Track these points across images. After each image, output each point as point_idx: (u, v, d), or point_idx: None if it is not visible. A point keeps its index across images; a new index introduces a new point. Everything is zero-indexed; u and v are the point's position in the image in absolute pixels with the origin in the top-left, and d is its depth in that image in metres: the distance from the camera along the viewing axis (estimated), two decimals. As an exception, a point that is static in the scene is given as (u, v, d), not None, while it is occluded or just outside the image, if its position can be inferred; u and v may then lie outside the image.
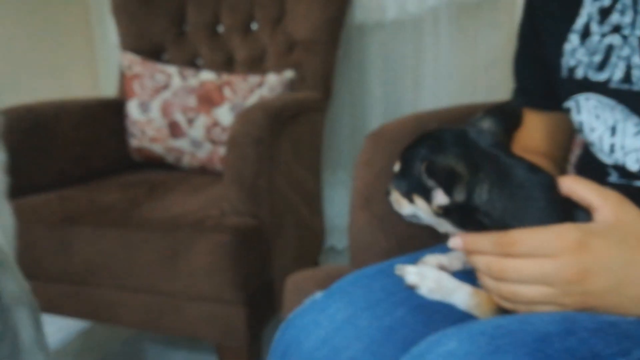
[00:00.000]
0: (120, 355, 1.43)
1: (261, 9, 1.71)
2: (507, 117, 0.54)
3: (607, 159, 0.58)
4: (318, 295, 0.55)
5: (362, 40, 1.82)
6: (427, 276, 0.51)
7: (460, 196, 0.47)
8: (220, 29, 1.77)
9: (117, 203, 1.19)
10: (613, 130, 0.55)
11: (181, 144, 1.48)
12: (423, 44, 1.65)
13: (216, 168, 1.48)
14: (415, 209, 0.54)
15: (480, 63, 1.56)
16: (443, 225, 0.54)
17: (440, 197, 0.47)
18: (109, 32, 2.40)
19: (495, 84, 1.55)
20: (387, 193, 0.60)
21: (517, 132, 0.71)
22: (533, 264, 0.42)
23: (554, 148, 0.71)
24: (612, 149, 0.56)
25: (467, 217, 0.48)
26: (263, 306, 1.13)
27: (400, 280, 0.53)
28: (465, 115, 0.90)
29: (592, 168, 0.60)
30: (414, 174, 0.51)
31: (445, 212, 0.50)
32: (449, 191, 0.47)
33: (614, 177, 0.58)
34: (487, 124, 0.53)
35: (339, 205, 2.04)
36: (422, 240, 0.79)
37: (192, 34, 1.77)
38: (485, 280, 0.46)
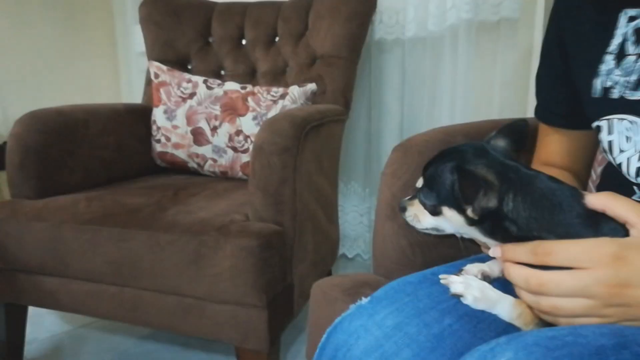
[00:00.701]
0: (136, 355, 1.46)
1: (284, 23, 1.77)
2: (517, 135, 0.58)
3: (632, 179, 0.59)
4: (364, 300, 0.56)
5: (381, 55, 1.86)
6: (472, 285, 0.53)
7: (492, 202, 0.50)
8: (244, 41, 1.82)
9: (144, 206, 1.22)
10: None
11: (204, 150, 1.52)
12: (441, 61, 1.69)
13: (237, 175, 1.52)
14: (439, 221, 0.58)
15: (496, 81, 1.59)
16: (470, 234, 0.57)
17: (477, 205, 0.50)
18: (133, 41, 2.47)
19: (509, 102, 1.59)
20: (403, 210, 0.64)
21: (528, 149, 0.74)
22: (571, 276, 0.43)
23: (574, 163, 0.73)
24: (638, 172, 0.58)
25: (496, 225, 0.51)
26: (283, 310, 1.15)
27: (445, 288, 0.54)
28: (491, 130, 0.93)
29: (616, 184, 0.62)
30: (443, 186, 0.54)
31: (476, 221, 0.53)
32: (483, 199, 0.50)
33: (637, 195, 0.60)
34: (500, 142, 0.57)
35: (350, 215, 2.07)
36: (445, 250, 0.82)
37: (216, 46, 1.83)
38: (523, 295, 0.47)
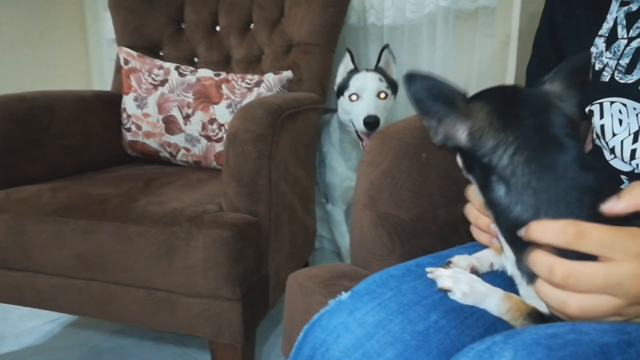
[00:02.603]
0: (107, 350, 1.41)
1: (259, 10, 1.72)
2: (576, 76, 0.48)
3: (624, 167, 0.58)
4: (344, 295, 0.53)
5: (359, 43, 1.83)
6: (460, 280, 0.49)
7: (461, 137, 0.45)
8: (218, 28, 1.77)
9: (112, 196, 1.17)
10: (636, 136, 0.56)
11: (176, 139, 1.47)
12: (419, 48, 1.67)
13: (211, 164, 1.48)
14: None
15: (473, 70, 1.58)
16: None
17: (433, 126, 0.47)
18: (104, 28, 2.39)
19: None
20: None
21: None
22: (604, 269, 0.37)
23: None
24: (632, 155, 0.56)
25: (484, 177, 0.45)
26: (258, 303, 1.12)
27: (430, 282, 0.51)
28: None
29: None
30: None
31: (465, 162, 0.49)
32: (445, 123, 0.46)
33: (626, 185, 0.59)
34: (555, 87, 0.47)
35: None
36: (426, 241, 0.80)
37: (189, 32, 1.77)
38: (545, 291, 0.40)
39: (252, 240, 1.06)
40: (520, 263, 0.45)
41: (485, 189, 0.45)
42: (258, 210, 1.09)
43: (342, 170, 1.66)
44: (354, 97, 1.45)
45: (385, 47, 1.52)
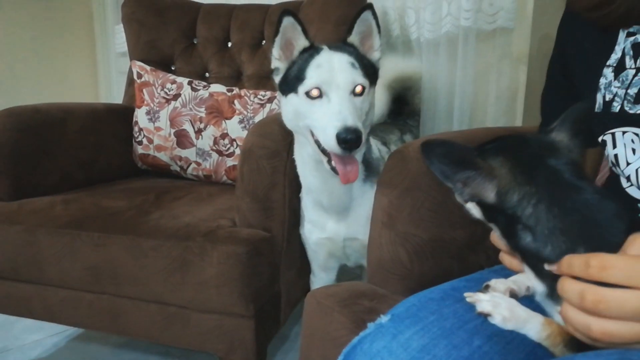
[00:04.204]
0: (113, 365, 1.40)
1: (271, 27, 1.73)
2: (581, 125, 0.52)
3: (639, 195, 0.59)
4: (384, 319, 0.52)
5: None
6: (500, 304, 0.49)
7: (489, 196, 0.47)
8: (230, 44, 1.79)
9: (125, 209, 1.17)
10: None
11: (188, 153, 1.48)
12: (437, 67, 1.65)
13: (222, 179, 1.48)
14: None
15: (491, 92, 1.57)
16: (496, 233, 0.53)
17: (459, 188, 0.48)
18: (113, 42, 2.41)
19: (502, 113, 1.58)
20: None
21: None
22: (635, 296, 0.36)
23: None
24: None
25: (509, 227, 0.47)
26: (270, 320, 1.12)
27: (470, 306, 0.51)
28: (488, 137, 0.92)
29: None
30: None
31: (487, 214, 0.50)
32: (471, 185, 0.48)
33: None
34: (561, 136, 0.51)
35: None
36: (445, 261, 0.80)
37: (201, 47, 1.79)
38: (571, 315, 0.40)
39: (266, 257, 1.05)
40: (552, 292, 0.45)
41: (511, 236, 0.48)
42: (272, 226, 1.09)
43: (312, 216, 1.10)
44: (314, 93, 0.89)
45: (367, 7, 0.95)
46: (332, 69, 0.90)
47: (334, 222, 1.07)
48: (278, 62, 0.98)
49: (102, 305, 1.12)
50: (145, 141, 1.52)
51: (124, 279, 1.07)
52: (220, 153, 1.45)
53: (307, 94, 0.90)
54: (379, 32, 0.98)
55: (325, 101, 0.89)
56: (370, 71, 0.95)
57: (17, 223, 1.15)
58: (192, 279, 1.02)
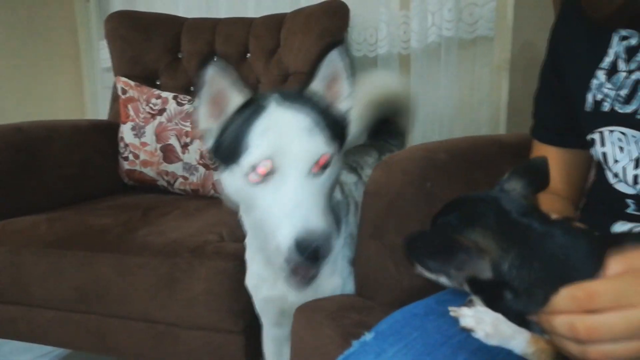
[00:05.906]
0: (102, 386, 1.38)
1: (255, 40, 1.74)
2: (534, 175, 0.54)
3: (629, 190, 0.60)
4: (368, 336, 0.52)
5: (356, 73, 1.85)
6: (484, 320, 0.48)
7: (486, 272, 0.46)
8: (215, 58, 1.79)
9: (111, 227, 1.16)
10: (637, 162, 0.58)
11: (174, 168, 1.47)
12: (419, 77, 1.68)
13: (209, 192, 1.48)
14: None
15: (474, 99, 1.59)
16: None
17: (458, 274, 0.48)
18: (97, 57, 2.40)
19: (484, 121, 1.60)
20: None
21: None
22: (623, 317, 0.37)
23: (566, 185, 0.73)
24: (635, 180, 0.59)
25: (495, 293, 0.47)
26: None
27: (454, 320, 0.50)
28: (472, 146, 0.93)
29: (609, 199, 0.62)
30: (443, 247, 0.50)
31: (474, 287, 0.49)
32: (469, 268, 0.47)
33: (631, 209, 0.60)
34: (514, 185, 0.52)
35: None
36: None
37: (186, 62, 1.78)
38: (567, 345, 0.40)
39: (254, 271, 1.04)
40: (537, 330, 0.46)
41: (494, 300, 0.48)
42: (260, 240, 1.09)
43: (260, 271, 0.87)
44: (261, 171, 0.63)
45: (337, 43, 0.71)
46: (281, 137, 0.63)
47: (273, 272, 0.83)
48: (206, 123, 0.71)
49: (89, 325, 1.11)
50: (131, 157, 1.51)
51: (111, 298, 1.06)
52: (206, 167, 1.45)
53: (250, 171, 0.63)
54: (351, 75, 0.74)
55: (278, 182, 0.63)
56: (338, 130, 0.70)
57: (1, 244, 1.14)
58: (180, 295, 1.01)
